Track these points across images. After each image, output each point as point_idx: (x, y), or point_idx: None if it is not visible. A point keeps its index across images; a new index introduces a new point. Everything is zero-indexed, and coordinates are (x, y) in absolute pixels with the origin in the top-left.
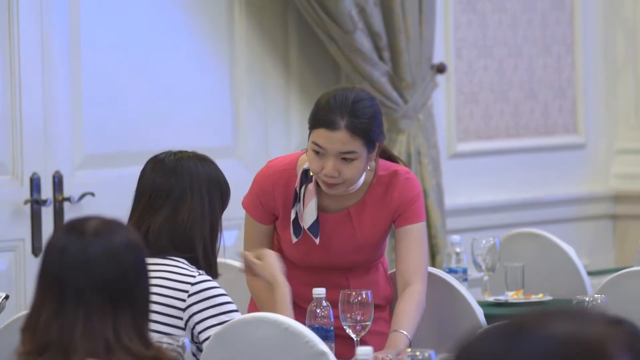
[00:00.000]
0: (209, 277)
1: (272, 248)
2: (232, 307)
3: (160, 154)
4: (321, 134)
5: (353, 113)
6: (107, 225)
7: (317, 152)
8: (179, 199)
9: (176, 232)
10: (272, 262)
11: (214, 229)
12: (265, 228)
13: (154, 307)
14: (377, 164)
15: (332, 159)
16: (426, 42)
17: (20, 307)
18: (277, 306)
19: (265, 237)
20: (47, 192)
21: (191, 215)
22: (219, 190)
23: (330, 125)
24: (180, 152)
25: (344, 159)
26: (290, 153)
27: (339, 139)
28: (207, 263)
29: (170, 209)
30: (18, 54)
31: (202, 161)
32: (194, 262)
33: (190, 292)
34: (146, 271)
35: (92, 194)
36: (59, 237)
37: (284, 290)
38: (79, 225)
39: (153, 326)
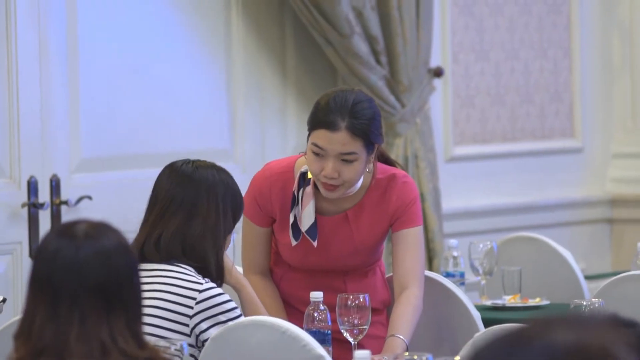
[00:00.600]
0: (215, 285)
1: (270, 251)
2: (238, 312)
3: (178, 161)
4: (321, 135)
5: (353, 114)
6: (97, 228)
7: (316, 154)
8: (193, 207)
9: (188, 240)
10: (231, 268)
11: (225, 240)
12: (263, 230)
13: (160, 312)
14: (376, 167)
15: (332, 160)
16: (423, 45)
17: (18, 310)
18: (247, 308)
19: (264, 239)
20: (44, 195)
21: (204, 225)
22: (234, 203)
23: (331, 126)
24: (199, 161)
25: (344, 160)
26: (286, 156)
27: (339, 139)
28: (218, 272)
29: (184, 217)
30: (15, 57)
31: (219, 172)
32: (200, 270)
33: (198, 300)
34: (137, 272)
35: (90, 197)
36: (49, 241)
37: (250, 290)
38: (70, 229)
39: (158, 331)
